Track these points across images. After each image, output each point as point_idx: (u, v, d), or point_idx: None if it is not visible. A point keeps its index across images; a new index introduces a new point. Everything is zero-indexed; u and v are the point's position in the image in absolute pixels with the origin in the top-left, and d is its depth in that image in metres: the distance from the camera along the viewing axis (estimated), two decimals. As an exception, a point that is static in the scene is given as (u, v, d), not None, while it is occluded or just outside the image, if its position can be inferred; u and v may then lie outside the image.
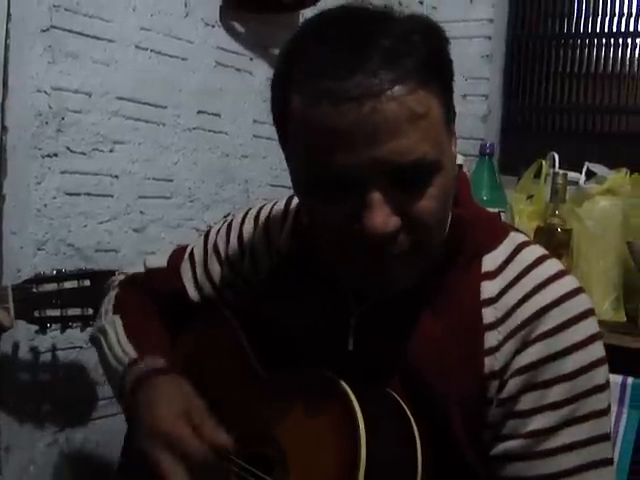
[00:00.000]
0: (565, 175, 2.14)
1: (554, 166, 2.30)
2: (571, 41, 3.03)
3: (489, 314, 1.02)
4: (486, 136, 2.87)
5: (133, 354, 1.23)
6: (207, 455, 1.03)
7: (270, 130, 2.41)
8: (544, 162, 2.32)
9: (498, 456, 1.01)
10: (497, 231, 1.10)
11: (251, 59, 2.46)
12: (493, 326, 1.01)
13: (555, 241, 2.05)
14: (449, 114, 0.98)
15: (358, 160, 0.90)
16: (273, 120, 1.04)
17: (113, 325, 1.32)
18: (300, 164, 0.98)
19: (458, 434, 1.01)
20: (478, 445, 1.02)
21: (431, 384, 1.02)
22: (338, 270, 1.05)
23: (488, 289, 1.03)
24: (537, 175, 2.34)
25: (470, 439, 1.01)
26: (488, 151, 2.19)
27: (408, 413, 1.01)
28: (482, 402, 1.01)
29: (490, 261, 1.05)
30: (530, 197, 2.30)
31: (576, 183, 2.28)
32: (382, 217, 0.91)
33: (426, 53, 0.92)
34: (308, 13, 2.53)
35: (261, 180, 2.50)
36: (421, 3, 3.05)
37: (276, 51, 2.48)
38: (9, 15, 1.77)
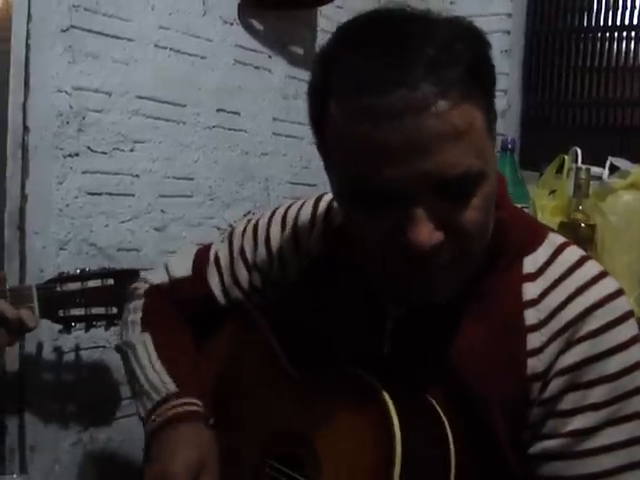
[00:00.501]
0: (588, 170, 2.12)
1: (577, 161, 2.29)
2: (590, 34, 3.01)
3: (531, 316, 1.01)
4: (506, 131, 2.85)
5: (171, 387, 1.23)
6: None
7: (290, 127, 2.49)
8: (566, 157, 2.30)
9: (537, 455, 1.00)
10: (536, 232, 1.09)
11: (270, 57, 2.45)
12: (536, 328, 1.00)
13: (579, 236, 2.04)
14: (491, 119, 0.96)
15: (401, 175, 0.88)
16: (310, 124, 1.02)
17: (143, 344, 1.32)
18: (341, 177, 0.98)
19: (499, 436, 1.00)
20: (519, 446, 1.01)
21: (472, 386, 1.01)
22: (379, 281, 1.05)
23: (530, 291, 1.02)
24: (559, 170, 2.32)
25: (511, 441, 1.01)
26: (509, 146, 2.18)
27: (442, 415, 1.00)
28: (524, 404, 1.00)
29: (531, 263, 1.04)
30: (552, 192, 2.28)
31: (599, 178, 2.27)
32: (426, 232, 0.90)
33: (469, 62, 0.90)
34: (326, 10, 2.54)
35: (281, 178, 2.50)
36: (440, -2, 3.04)
37: (295, 48, 2.49)
38: (29, 15, 1.78)
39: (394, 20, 0.94)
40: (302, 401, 1.14)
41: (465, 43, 0.91)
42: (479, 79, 0.92)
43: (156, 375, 1.26)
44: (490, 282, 1.04)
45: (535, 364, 1.00)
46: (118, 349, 1.41)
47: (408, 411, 0.99)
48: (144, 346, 1.31)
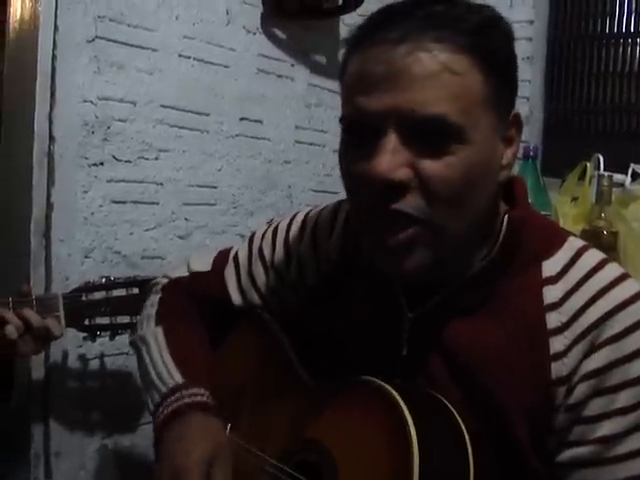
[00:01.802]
0: (610, 177, 2.11)
1: (599, 168, 2.28)
2: (613, 41, 2.99)
3: (553, 319, 1.00)
4: (528, 138, 2.84)
5: (177, 378, 1.23)
6: None
7: (312, 135, 2.50)
8: (588, 164, 2.29)
9: (565, 463, 0.99)
10: (556, 236, 1.08)
11: (292, 65, 2.47)
12: (558, 331, 1.00)
13: (601, 244, 2.02)
14: (495, 99, 0.97)
15: (378, 103, 0.92)
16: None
17: (155, 338, 1.33)
18: (341, 119, 1.01)
19: (522, 440, 1.00)
20: (542, 451, 1.00)
21: (492, 390, 1.01)
22: (363, 242, 1.06)
23: (551, 294, 1.02)
24: (581, 177, 2.31)
25: (534, 445, 1.00)
26: (532, 154, 2.17)
27: (460, 421, 0.99)
28: (548, 409, 0.99)
29: (550, 266, 1.04)
30: (574, 199, 2.27)
31: (621, 185, 2.26)
32: (390, 162, 0.92)
33: (478, 26, 0.94)
34: (348, 19, 2.54)
35: (304, 186, 2.51)
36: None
37: (317, 57, 2.50)
38: (56, 26, 1.80)
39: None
40: (318, 408, 1.13)
41: (480, 16, 0.96)
42: (485, 47, 0.95)
43: (164, 367, 1.26)
44: (506, 284, 1.04)
45: (559, 368, 0.99)
46: (132, 344, 1.42)
47: (425, 417, 0.98)
48: (155, 339, 1.32)
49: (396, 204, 0.94)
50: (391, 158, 0.92)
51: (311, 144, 2.52)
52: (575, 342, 0.99)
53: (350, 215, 1.07)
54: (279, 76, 2.42)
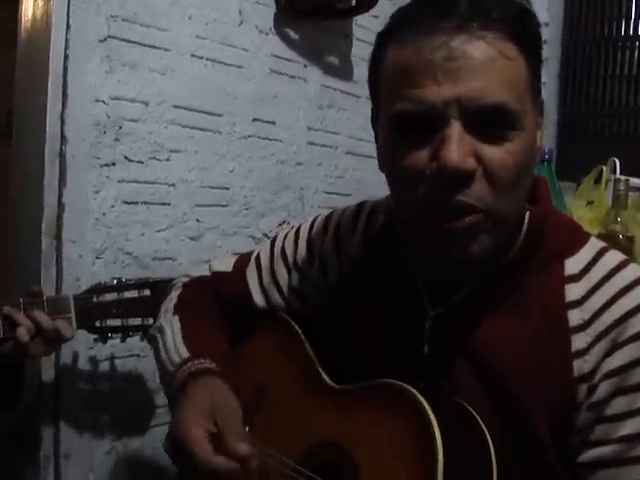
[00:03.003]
0: (627, 181, 2.09)
1: (615, 172, 2.26)
2: (628, 43, 2.97)
3: (575, 317, 1.00)
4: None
5: (185, 355, 1.24)
6: (218, 465, 1.05)
7: (325, 137, 2.48)
8: (604, 168, 2.28)
9: (588, 462, 0.99)
10: (578, 235, 1.09)
11: (305, 66, 2.45)
12: (580, 329, 0.99)
13: (617, 248, 2.00)
14: (535, 84, 0.98)
15: (440, 95, 0.91)
16: (370, 92, 1.07)
17: (171, 325, 1.33)
18: (386, 111, 1.00)
19: (542, 438, 0.99)
20: (562, 449, 1.00)
21: (514, 388, 1.00)
22: (413, 233, 1.05)
23: (573, 292, 1.02)
24: (597, 181, 2.29)
25: (555, 444, 0.99)
26: (547, 157, 2.16)
27: (483, 426, 0.99)
28: (570, 406, 0.99)
29: (573, 264, 1.04)
30: (590, 203, 2.26)
31: (638, 189, 2.24)
32: (460, 152, 0.91)
33: (518, 14, 0.95)
34: (362, 19, 2.53)
35: (316, 187, 2.49)
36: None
37: (330, 58, 2.49)
38: (68, 26, 1.79)
39: None
40: (339, 410, 1.13)
41: (518, 6, 0.97)
42: (523, 31, 0.96)
43: (175, 351, 1.27)
44: (527, 282, 1.04)
45: (581, 366, 0.99)
46: (150, 337, 1.42)
47: (448, 422, 0.98)
48: (171, 328, 1.33)
49: (460, 195, 0.94)
50: (460, 148, 0.92)
51: (323, 146, 2.50)
52: (597, 340, 0.98)
53: (398, 210, 1.06)
54: (292, 77, 2.40)
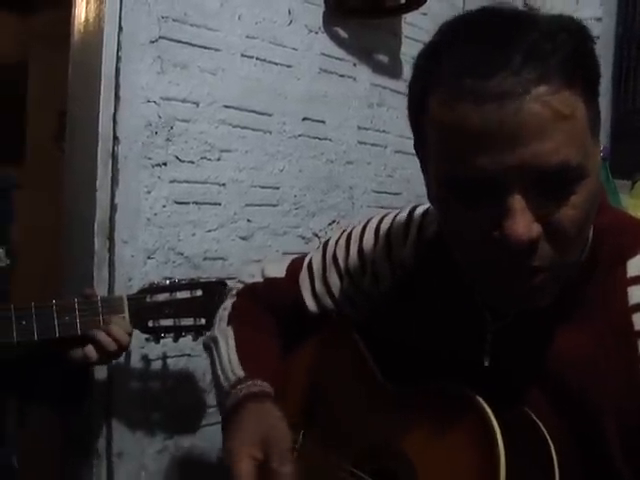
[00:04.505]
0: (684, 179, 2.06)
1: (671, 169, 2.22)
2: (683, 38, 2.92)
3: None
4: (596, 139, 2.78)
5: (239, 373, 1.24)
6: None
7: (374, 136, 2.47)
8: (660, 165, 2.24)
9: None
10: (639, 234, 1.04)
11: (354, 65, 2.44)
12: None
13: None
14: (595, 119, 0.93)
15: (499, 163, 0.86)
16: (410, 122, 1.00)
17: (225, 337, 1.33)
18: (437, 166, 0.95)
19: (612, 446, 0.96)
20: (632, 458, 0.96)
21: (581, 398, 0.97)
22: (473, 283, 1.02)
23: (636, 294, 0.97)
24: (652, 179, 2.26)
25: (625, 451, 0.96)
26: (602, 155, 2.12)
27: (546, 434, 0.97)
28: None
29: (636, 265, 0.99)
30: (645, 201, 2.22)
31: (693, 186, 2.20)
32: (524, 223, 0.87)
33: (572, 51, 0.87)
34: (410, 17, 2.52)
35: (366, 186, 2.48)
36: (525, 5, 2.98)
37: (379, 56, 2.47)
38: (120, 28, 1.80)
39: (497, 15, 0.92)
40: (398, 415, 1.11)
41: (568, 34, 0.89)
42: (581, 70, 0.89)
43: (229, 365, 1.27)
44: (590, 288, 1.00)
45: None
46: (205, 346, 1.44)
47: (512, 432, 0.96)
48: (225, 339, 1.33)
49: (527, 260, 0.90)
50: (523, 219, 0.87)
51: (373, 145, 2.49)
52: None
53: (459, 258, 1.02)
54: (341, 76, 2.39)
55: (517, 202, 0.87)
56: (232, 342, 1.31)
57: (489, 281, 0.97)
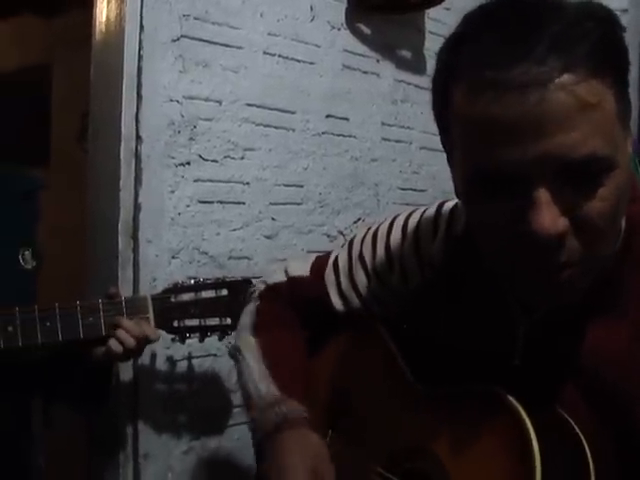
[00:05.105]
0: None
1: (701, 161, 2.18)
2: None
3: None
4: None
5: (274, 391, 1.22)
6: None
7: (399, 132, 2.45)
8: (691, 158, 2.20)
9: None
10: None
11: (378, 61, 2.42)
12: None
13: None
14: (625, 109, 0.90)
15: (523, 154, 0.83)
16: (434, 116, 0.98)
17: (251, 349, 1.32)
18: (462, 159, 0.92)
19: None
20: None
21: (616, 392, 0.95)
22: (501, 279, 1.00)
23: None
24: (682, 172, 2.22)
25: None
26: (636, 148, 2.09)
27: (580, 434, 0.95)
28: None
29: None
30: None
31: None
32: (550, 217, 0.84)
33: (599, 39, 0.84)
34: (434, 12, 2.50)
35: (391, 183, 2.45)
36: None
37: (403, 52, 2.45)
38: (141, 26, 1.80)
39: (520, 2, 0.90)
40: (429, 416, 1.10)
41: (595, 21, 0.86)
42: (609, 58, 0.86)
43: (261, 381, 1.25)
44: (624, 280, 0.97)
45: None
46: (231, 355, 1.42)
47: (546, 433, 0.94)
48: (252, 351, 1.31)
49: (555, 255, 0.88)
50: (548, 213, 0.84)
51: (398, 141, 2.47)
52: None
53: (486, 254, 1.00)
54: (364, 72, 2.38)
55: (542, 195, 0.84)
56: (259, 355, 1.30)
57: (516, 277, 0.95)
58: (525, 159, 0.83)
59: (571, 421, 0.96)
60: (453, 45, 0.92)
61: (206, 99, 1.93)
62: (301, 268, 1.37)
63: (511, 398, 0.97)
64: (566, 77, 0.82)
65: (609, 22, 0.88)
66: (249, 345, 1.32)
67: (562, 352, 1.00)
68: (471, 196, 0.94)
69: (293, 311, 1.35)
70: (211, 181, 1.95)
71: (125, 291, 1.73)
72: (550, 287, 0.92)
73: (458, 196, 1.01)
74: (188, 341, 1.67)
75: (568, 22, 0.84)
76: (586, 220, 0.86)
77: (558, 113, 0.82)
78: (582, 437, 0.94)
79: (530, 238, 0.85)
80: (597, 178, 0.85)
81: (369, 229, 1.31)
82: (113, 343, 1.48)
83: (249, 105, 2.04)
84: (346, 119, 2.31)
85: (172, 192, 1.87)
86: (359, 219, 2.33)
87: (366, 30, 2.37)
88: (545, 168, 0.84)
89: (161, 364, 1.87)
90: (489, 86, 0.83)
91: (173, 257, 1.88)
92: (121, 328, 1.48)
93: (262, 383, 1.24)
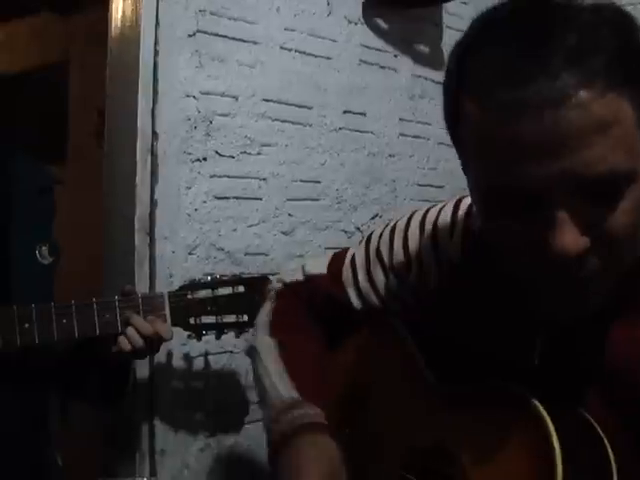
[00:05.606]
0: None
1: None
2: None
3: None
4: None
5: (292, 393, 1.20)
6: None
7: (416, 128, 2.44)
8: None
9: None
10: None
11: (395, 56, 2.40)
12: None
13: None
14: None
15: (540, 174, 0.81)
16: (445, 122, 0.96)
17: (268, 349, 1.30)
18: (475, 173, 0.91)
19: None
20: None
21: (638, 394, 0.93)
22: (520, 291, 0.98)
23: None
24: None
25: None
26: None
27: (602, 435, 0.93)
28: None
29: None
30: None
31: None
32: (570, 238, 0.82)
33: (615, 48, 0.81)
34: (451, 7, 2.48)
35: (408, 179, 2.44)
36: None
37: (420, 47, 2.44)
38: (157, 22, 1.79)
39: (533, 8, 0.87)
40: (449, 416, 1.08)
41: (611, 28, 0.83)
42: (627, 68, 0.83)
43: (279, 382, 1.24)
44: None
45: None
46: (248, 354, 1.40)
47: (568, 435, 0.92)
48: (269, 351, 1.30)
49: (576, 272, 0.86)
50: (569, 232, 0.82)
51: (415, 137, 2.46)
52: None
53: (504, 267, 0.98)
54: (382, 67, 2.36)
55: (561, 215, 0.83)
56: (277, 356, 1.28)
57: (534, 291, 0.93)
58: (543, 179, 0.81)
59: (594, 423, 0.94)
60: (460, 56, 0.89)
61: (222, 94, 1.93)
62: (318, 266, 1.36)
63: (533, 399, 0.96)
64: (582, 94, 0.79)
65: (625, 28, 0.85)
66: (266, 345, 1.31)
67: (583, 353, 0.98)
68: (485, 209, 0.92)
69: (311, 310, 1.34)
70: (228, 177, 1.94)
71: (141, 287, 1.73)
72: (570, 304, 0.90)
73: (473, 202, 1.00)
74: (205, 338, 1.66)
75: (582, 31, 0.81)
76: (607, 236, 0.84)
77: (575, 132, 0.79)
78: (604, 438, 0.93)
79: (549, 257, 0.83)
80: (618, 193, 0.83)
81: (386, 225, 1.30)
82: (122, 340, 1.48)
83: (266, 100, 2.03)
84: (363, 114, 2.30)
85: (188, 188, 1.86)
86: (376, 215, 2.31)
87: (383, 25, 2.36)
88: (563, 188, 0.81)
89: (178, 361, 1.87)
90: (502, 107, 0.81)
91: (189, 253, 1.88)
92: (131, 325, 1.48)
93: (279, 384, 1.23)
